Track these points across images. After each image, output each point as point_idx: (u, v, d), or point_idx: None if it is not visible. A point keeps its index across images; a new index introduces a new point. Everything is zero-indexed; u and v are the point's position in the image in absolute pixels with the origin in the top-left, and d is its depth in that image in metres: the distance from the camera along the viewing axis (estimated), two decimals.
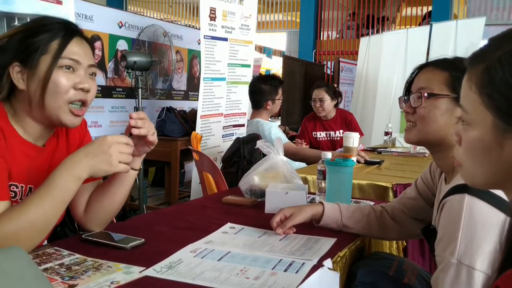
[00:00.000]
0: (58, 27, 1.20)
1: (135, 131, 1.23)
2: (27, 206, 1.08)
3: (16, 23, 2.46)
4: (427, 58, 5.24)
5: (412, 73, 1.29)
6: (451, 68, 1.19)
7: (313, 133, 4.05)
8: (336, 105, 4.02)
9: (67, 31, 1.21)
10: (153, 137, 1.27)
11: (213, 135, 3.90)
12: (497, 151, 0.67)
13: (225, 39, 3.87)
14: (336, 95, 3.98)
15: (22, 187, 1.20)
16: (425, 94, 1.20)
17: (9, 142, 1.16)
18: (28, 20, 1.28)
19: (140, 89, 3.68)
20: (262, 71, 10.50)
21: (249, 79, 4.20)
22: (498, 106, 0.65)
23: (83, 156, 1.13)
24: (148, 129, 1.25)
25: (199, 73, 3.69)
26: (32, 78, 1.16)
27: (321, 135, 4.04)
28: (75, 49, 1.20)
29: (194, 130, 3.68)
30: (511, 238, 0.66)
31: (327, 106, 3.89)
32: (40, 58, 1.16)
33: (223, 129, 4.04)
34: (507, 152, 0.66)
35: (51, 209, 1.10)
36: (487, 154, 0.68)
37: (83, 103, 1.23)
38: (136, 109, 3.65)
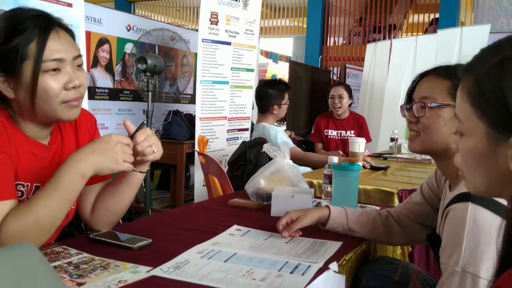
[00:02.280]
0: (31, 24, 1.12)
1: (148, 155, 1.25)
2: (33, 205, 1.08)
3: None
4: None
5: (414, 81, 1.29)
6: (454, 76, 1.18)
7: (325, 130, 4.16)
8: (349, 106, 4.16)
9: (42, 26, 1.13)
10: (154, 155, 1.26)
11: (217, 138, 3.92)
12: (492, 159, 0.69)
13: (228, 43, 3.90)
14: (352, 95, 4.14)
15: (28, 186, 1.21)
16: (429, 104, 1.20)
17: (14, 141, 1.16)
18: None
19: (150, 92, 3.74)
20: (268, 76, 10.53)
21: (253, 83, 4.25)
22: (489, 116, 0.68)
23: (88, 153, 1.13)
24: (156, 148, 1.26)
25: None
26: (19, 86, 1.13)
27: (332, 133, 4.14)
28: (55, 46, 1.14)
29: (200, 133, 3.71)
30: (507, 240, 0.67)
31: (344, 103, 4.05)
32: (22, 65, 1.11)
33: (228, 132, 4.06)
34: (501, 160, 0.68)
35: (57, 207, 1.11)
36: (483, 162, 0.70)
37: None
38: (146, 112, 3.69)
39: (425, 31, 8.03)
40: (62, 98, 1.16)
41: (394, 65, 5.82)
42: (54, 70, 1.14)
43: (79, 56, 1.20)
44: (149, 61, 3.65)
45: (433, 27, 7.50)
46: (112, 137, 1.14)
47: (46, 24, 1.15)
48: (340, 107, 4.04)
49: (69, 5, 2.75)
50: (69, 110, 1.19)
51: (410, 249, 1.90)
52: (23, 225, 1.06)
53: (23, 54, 1.11)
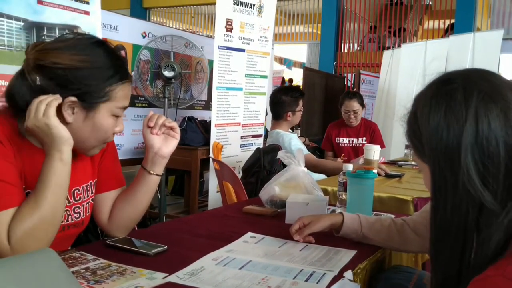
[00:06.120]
0: (117, 70, 1.21)
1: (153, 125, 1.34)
2: (31, 204, 1.10)
3: (45, 32, 2.53)
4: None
5: None
6: None
7: (337, 138, 4.16)
8: None
9: (123, 74, 1.22)
10: (171, 123, 1.34)
11: (230, 144, 3.94)
12: None
13: (242, 50, 3.93)
14: (364, 103, 4.16)
15: None
16: None
17: (21, 151, 1.18)
18: (63, 32, 1.28)
19: (166, 99, 3.81)
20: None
21: (266, 90, 4.27)
22: (422, 154, 0.84)
23: (44, 145, 1.14)
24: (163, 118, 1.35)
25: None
26: (86, 120, 1.19)
27: (344, 141, 4.14)
28: (126, 95, 1.25)
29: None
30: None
31: (359, 116, 4.07)
32: (101, 104, 1.18)
33: (241, 138, 4.08)
34: None
35: (53, 198, 1.11)
36: None
37: None
38: None
39: (441, 38, 7.97)
40: (104, 139, 1.25)
41: (404, 70, 5.79)
42: (118, 116, 1.24)
43: (127, 106, 1.29)
44: (176, 68, 3.73)
45: (448, 33, 7.45)
46: (26, 126, 1.13)
47: (126, 73, 1.25)
48: (355, 121, 4.07)
49: (86, 12, 2.79)
50: (99, 149, 1.28)
51: (427, 257, 1.88)
52: (29, 224, 1.08)
53: (108, 96, 1.19)
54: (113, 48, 1.25)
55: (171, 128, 1.35)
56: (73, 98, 1.15)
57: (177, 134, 1.36)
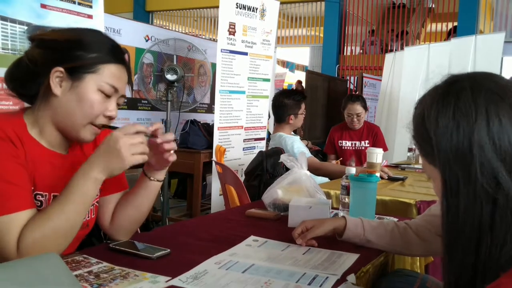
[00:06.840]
0: (110, 50, 1.23)
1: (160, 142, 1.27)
2: (50, 213, 1.10)
3: None
4: None
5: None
6: None
7: (339, 141, 4.15)
8: None
9: (117, 56, 1.24)
10: (170, 145, 1.27)
11: (233, 147, 3.95)
12: None
13: (245, 53, 3.94)
14: (367, 106, 4.15)
15: (46, 195, 1.22)
16: None
17: (31, 152, 1.18)
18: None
19: (169, 102, 3.83)
20: (285, 85, 10.53)
21: (269, 93, 4.27)
22: (432, 160, 0.82)
23: (96, 158, 1.14)
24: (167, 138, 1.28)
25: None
26: (72, 90, 1.18)
27: (346, 144, 4.13)
28: (118, 77, 1.24)
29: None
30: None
31: (362, 118, 4.06)
32: (87, 75, 1.18)
33: (244, 142, 4.08)
34: None
35: (73, 214, 1.12)
36: None
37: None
38: (164, 121, 3.75)
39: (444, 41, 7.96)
40: (93, 120, 1.22)
41: (407, 73, 5.79)
42: (107, 95, 1.22)
43: (124, 96, 1.29)
44: (179, 72, 3.75)
45: (451, 36, 7.44)
46: (112, 135, 1.14)
47: (120, 57, 1.26)
48: (358, 123, 4.07)
49: (89, 16, 2.80)
50: (90, 133, 1.24)
51: (432, 259, 1.87)
52: (41, 233, 1.08)
53: (93, 68, 1.19)
54: (106, 34, 1.28)
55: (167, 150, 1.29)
56: (61, 68, 1.17)
57: (172, 157, 1.30)
